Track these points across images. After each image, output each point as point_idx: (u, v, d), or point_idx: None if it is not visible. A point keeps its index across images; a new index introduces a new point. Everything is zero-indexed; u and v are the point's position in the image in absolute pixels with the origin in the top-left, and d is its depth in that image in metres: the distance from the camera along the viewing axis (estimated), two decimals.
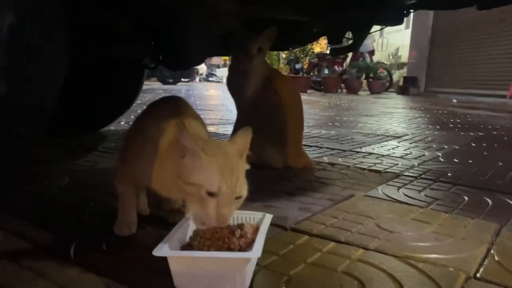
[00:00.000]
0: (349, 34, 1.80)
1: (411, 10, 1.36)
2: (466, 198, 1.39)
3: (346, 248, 0.96)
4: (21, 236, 0.99)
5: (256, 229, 0.89)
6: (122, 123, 3.14)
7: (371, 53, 11.95)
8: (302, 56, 12.51)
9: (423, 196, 1.40)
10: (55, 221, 1.11)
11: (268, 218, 0.91)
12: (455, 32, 10.31)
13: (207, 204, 0.75)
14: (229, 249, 0.82)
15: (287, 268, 0.85)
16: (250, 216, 0.93)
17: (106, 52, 1.68)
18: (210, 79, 18.55)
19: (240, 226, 0.88)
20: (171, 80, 12.87)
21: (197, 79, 17.54)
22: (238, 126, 1.82)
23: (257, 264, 0.85)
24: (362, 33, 1.53)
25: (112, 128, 2.83)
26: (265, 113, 1.71)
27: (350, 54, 12.64)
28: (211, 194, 0.75)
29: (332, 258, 0.90)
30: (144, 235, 1.03)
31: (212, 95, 8.66)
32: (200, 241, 0.83)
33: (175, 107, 0.99)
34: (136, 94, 2.68)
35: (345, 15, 1.38)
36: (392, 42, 14.47)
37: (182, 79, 14.41)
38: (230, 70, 1.79)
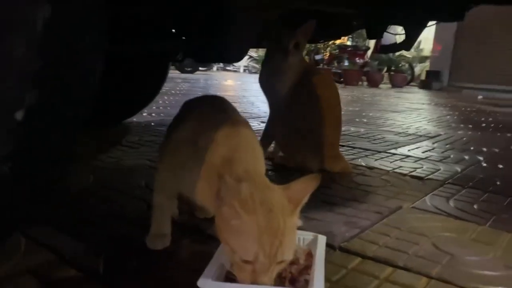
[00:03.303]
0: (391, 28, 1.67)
1: (473, 5, 1.23)
2: None
3: (407, 275, 0.85)
4: (46, 246, 0.91)
5: (308, 254, 0.79)
6: (144, 114, 3.06)
7: None
8: (322, 47, 12.27)
9: (476, 210, 1.28)
10: (81, 229, 1.02)
11: (322, 241, 0.80)
12: (482, 26, 9.96)
13: (242, 268, 0.64)
14: (280, 277, 0.72)
15: None
16: (299, 237, 0.83)
17: (140, 48, 1.57)
18: (228, 68, 18.41)
19: None
20: (189, 69, 12.76)
21: (215, 68, 17.41)
22: (270, 126, 1.71)
23: None
24: (416, 29, 1.40)
25: (134, 119, 2.75)
26: (301, 112, 1.60)
27: (371, 46, 12.37)
28: (246, 262, 0.63)
29: None
30: (180, 249, 0.94)
31: (231, 85, 8.55)
32: None
33: (222, 111, 0.88)
34: (160, 85, 2.60)
35: (400, 10, 1.25)
36: None
37: (200, 68, 14.29)
38: (263, 67, 1.68)
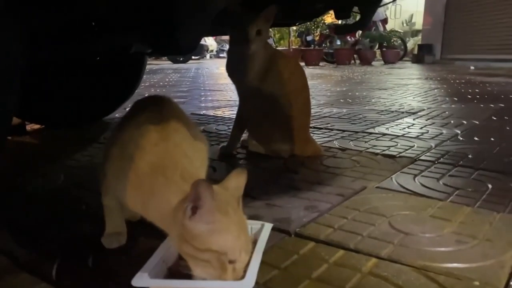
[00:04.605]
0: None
1: None
2: (489, 186, 1.27)
3: (356, 257, 0.86)
4: (2, 251, 0.92)
5: (254, 243, 0.80)
6: (127, 109, 3.05)
7: (384, 21, 11.55)
8: (313, 28, 12.18)
9: (441, 186, 1.28)
10: (41, 230, 1.03)
11: (267, 230, 0.81)
12: None
13: (226, 270, 0.65)
14: None
15: (289, 286, 0.76)
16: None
17: (81, 50, 1.55)
18: (221, 55, 18.27)
19: None
20: (181, 59, 12.69)
21: (208, 56, 17.31)
22: (240, 114, 1.71)
23: (256, 283, 0.76)
24: (371, 7, 1.38)
25: (117, 115, 2.74)
26: (269, 99, 1.59)
27: None
28: (231, 262, 0.65)
29: (340, 271, 0.81)
30: (135, 246, 0.94)
31: (221, 73, 8.49)
32: None
33: (158, 115, 0.85)
34: (138, 79, 2.58)
35: None
36: (406, 8, 13.99)
37: (193, 57, 14.21)
38: (228, 54, 1.67)
